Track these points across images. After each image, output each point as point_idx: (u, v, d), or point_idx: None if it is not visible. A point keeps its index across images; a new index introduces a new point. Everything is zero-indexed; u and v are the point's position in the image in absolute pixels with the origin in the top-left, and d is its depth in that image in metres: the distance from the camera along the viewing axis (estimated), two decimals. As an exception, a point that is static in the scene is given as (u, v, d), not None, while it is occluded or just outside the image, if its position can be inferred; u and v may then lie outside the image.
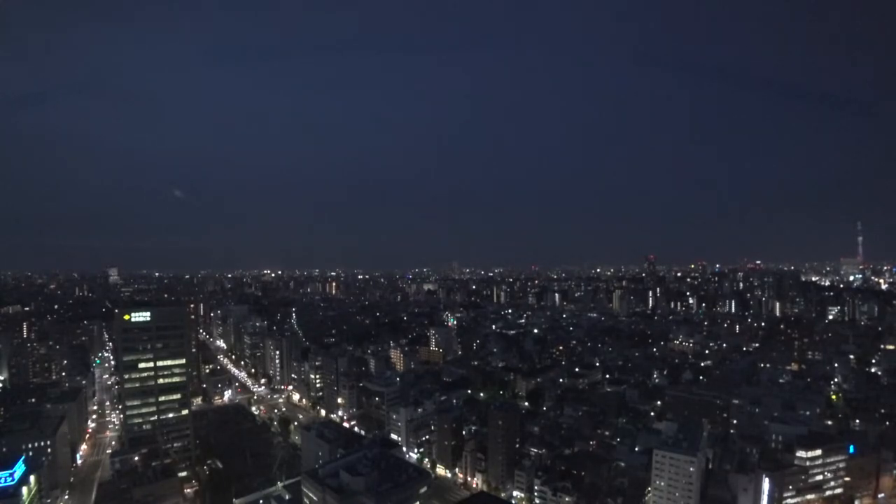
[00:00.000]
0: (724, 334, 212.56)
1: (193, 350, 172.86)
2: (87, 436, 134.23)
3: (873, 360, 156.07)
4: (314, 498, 71.64)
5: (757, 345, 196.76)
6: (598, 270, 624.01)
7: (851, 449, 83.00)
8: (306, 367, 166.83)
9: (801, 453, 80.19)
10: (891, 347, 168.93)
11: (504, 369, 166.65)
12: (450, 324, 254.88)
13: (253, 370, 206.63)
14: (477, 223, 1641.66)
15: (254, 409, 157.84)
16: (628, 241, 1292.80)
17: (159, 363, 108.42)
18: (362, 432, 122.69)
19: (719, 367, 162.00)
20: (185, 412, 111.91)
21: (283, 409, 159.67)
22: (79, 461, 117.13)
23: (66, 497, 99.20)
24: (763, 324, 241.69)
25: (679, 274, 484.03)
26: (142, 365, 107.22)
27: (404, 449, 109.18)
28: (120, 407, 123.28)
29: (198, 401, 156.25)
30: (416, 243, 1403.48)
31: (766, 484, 77.27)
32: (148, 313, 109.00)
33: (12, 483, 72.94)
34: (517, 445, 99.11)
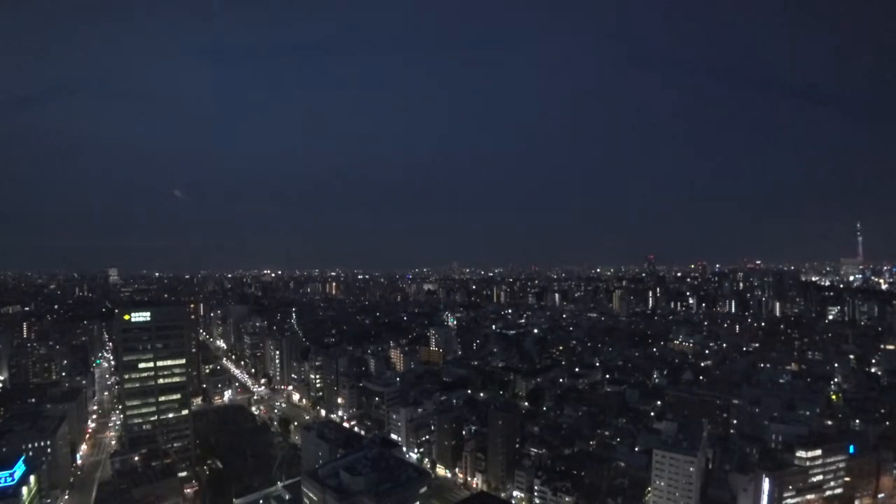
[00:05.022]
0: (724, 334, 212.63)
1: (193, 350, 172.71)
2: (87, 436, 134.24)
3: (873, 360, 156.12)
4: (314, 498, 71.61)
5: (757, 345, 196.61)
6: (598, 270, 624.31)
7: (851, 449, 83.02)
8: (306, 367, 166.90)
9: (801, 453, 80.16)
10: (891, 347, 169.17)
11: (504, 369, 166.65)
12: (450, 324, 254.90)
13: (253, 370, 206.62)
14: (477, 223, 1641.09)
15: (254, 409, 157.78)
16: (628, 241, 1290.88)
17: (159, 363, 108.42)
18: (362, 432, 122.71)
19: (719, 367, 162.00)
20: (185, 412, 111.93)
21: (283, 409, 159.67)
22: (79, 461, 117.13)
23: (66, 497, 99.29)
24: (763, 324, 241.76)
25: (679, 274, 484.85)
26: (142, 365, 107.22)
27: (404, 449, 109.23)
28: (120, 407, 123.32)
29: (198, 401, 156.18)
30: (416, 243, 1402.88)
31: (766, 484, 77.27)
32: (148, 313, 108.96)
33: (12, 483, 72.86)
34: (517, 445, 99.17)
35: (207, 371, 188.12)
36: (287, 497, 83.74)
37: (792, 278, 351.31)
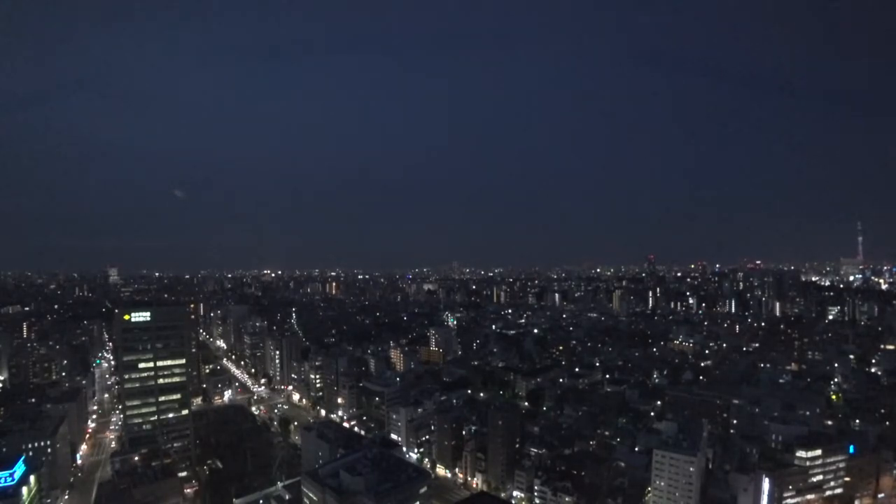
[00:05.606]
0: (724, 334, 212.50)
1: (193, 350, 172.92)
2: (87, 436, 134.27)
3: (873, 360, 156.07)
4: (314, 498, 71.65)
5: (757, 345, 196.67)
6: (598, 270, 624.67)
7: (851, 449, 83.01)
8: (306, 367, 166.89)
9: (801, 453, 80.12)
10: (891, 347, 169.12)
11: (504, 369, 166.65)
12: (450, 324, 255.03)
13: (253, 370, 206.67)
14: (477, 223, 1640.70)
15: (254, 409, 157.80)
16: (628, 241, 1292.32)
17: (159, 363, 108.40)
18: (362, 432, 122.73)
19: (719, 367, 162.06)
20: (185, 412, 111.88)
21: (284, 409, 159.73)
22: (79, 461, 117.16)
23: (66, 497, 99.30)
24: (763, 324, 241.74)
25: (679, 274, 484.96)
26: (142, 365, 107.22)
27: (404, 449, 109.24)
28: (120, 407, 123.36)
29: (198, 401, 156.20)
30: (416, 243, 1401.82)
31: (766, 484, 77.26)
32: (148, 313, 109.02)
33: (12, 483, 72.88)
34: (517, 445, 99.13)
35: (207, 371, 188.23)
36: (287, 497, 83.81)
37: (792, 278, 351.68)
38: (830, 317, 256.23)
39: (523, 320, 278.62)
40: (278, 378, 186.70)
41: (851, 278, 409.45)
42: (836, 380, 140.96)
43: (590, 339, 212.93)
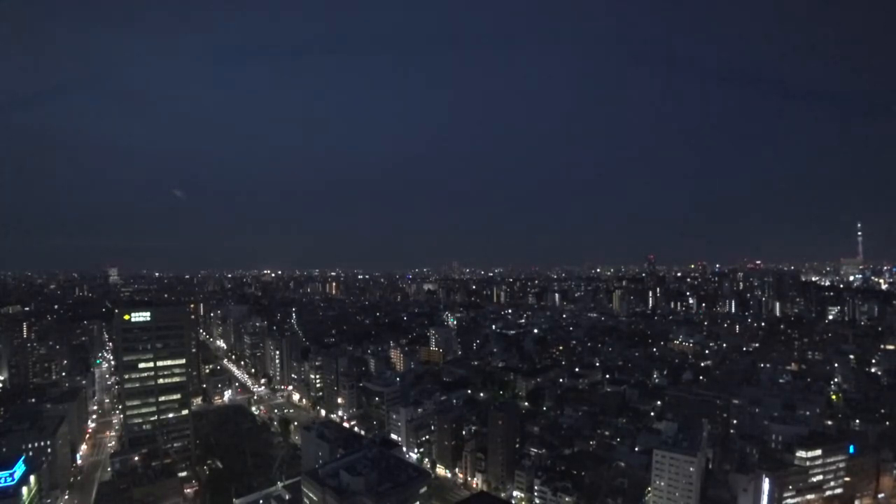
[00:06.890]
0: (724, 334, 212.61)
1: (193, 350, 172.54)
2: (87, 436, 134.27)
3: (873, 360, 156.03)
4: (314, 498, 71.60)
5: (757, 345, 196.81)
6: (598, 270, 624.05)
7: (851, 449, 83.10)
8: (306, 367, 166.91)
9: (801, 453, 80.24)
10: (891, 347, 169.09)
11: (504, 369, 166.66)
12: (450, 324, 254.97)
13: (253, 370, 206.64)
14: (477, 223, 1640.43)
15: (254, 409, 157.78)
16: (628, 241, 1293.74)
17: (159, 363, 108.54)
18: (362, 432, 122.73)
19: (719, 367, 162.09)
20: (185, 412, 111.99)
21: (284, 410, 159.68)
22: (79, 461, 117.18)
23: (66, 497, 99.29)
24: (763, 324, 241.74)
25: (679, 274, 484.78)
26: (142, 365, 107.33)
27: (404, 449, 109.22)
28: (120, 407, 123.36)
29: (198, 401, 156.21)
30: (416, 243, 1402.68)
31: (766, 484, 77.30)
32: (148, 313, 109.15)
33: (12, 483, 72.96)
34: (517, 445, 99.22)
35: (207, 371, 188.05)
36: (287, 497, 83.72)
37: (792, 278, 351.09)
38: (830, 317, 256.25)
39: (523, 320, 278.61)
40: (278, 378, 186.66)
41: (851, 278, 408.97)
42: (836, 380, 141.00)
43: (590, 339, 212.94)
